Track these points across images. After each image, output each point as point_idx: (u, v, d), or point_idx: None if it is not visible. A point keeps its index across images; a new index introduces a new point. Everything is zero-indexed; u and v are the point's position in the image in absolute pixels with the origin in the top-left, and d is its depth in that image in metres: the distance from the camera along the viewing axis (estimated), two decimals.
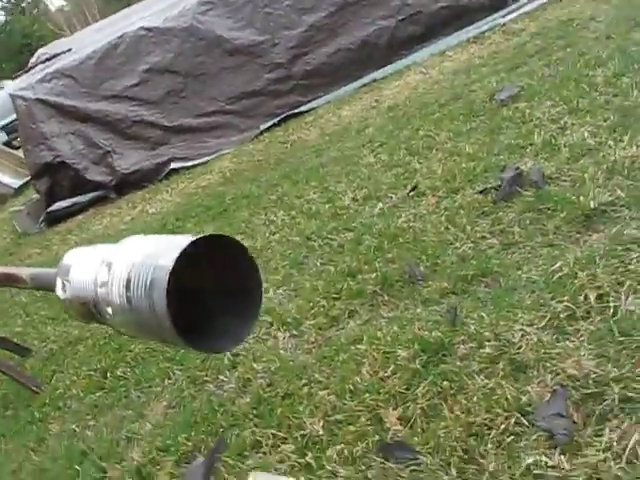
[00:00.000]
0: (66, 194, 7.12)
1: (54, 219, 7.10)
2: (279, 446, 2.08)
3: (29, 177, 7.96)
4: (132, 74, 6.87)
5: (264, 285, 3.31)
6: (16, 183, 10.09)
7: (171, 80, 6.93)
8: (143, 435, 2.57)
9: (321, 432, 2.04)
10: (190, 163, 6.83)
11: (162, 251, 1.09)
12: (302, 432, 2.07)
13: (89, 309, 1.24)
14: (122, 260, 1.15)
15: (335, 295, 2.81)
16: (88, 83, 6.82)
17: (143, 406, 2.79)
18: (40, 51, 8.77)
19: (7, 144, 12.66)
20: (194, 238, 1.08)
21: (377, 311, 2.57)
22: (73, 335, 3.83)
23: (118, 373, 3.13)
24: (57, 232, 6.80)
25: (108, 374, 3.17)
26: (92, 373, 3.26)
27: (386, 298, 2.62)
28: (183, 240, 1.08)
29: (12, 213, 7.83)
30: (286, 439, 2.09)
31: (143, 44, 6.84)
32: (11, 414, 3.36)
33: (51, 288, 1.38)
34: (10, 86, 9.32)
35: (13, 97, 7.05)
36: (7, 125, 13.43)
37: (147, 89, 6.91)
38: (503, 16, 6.62)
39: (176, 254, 1.05)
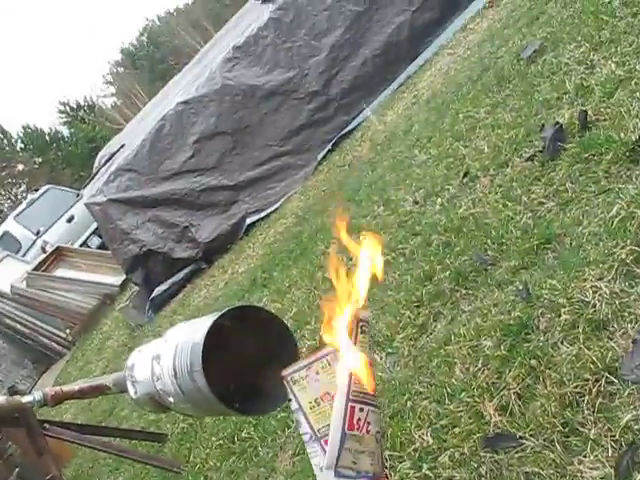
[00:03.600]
0: (161, 278, 7.45)
1: (158, 304, 7.43)
2: (397, 466, 2.12)
3: None
4: (184, 148, 7.14)
5: None
6: (118, 281, 10.57)
7: (221, 142, 7.16)
8: None
9: (430, 441, 2.06)
10: (263, 214, 7.02)
11: (195, 333, 1.18)
12: (414, 446, 2.11)
13: (158, 402, 1.34)
14: (167, 351, 1.25)
15: (417, 303, 2.84)
16: (147, 171, 7.14)
17: (272, 460, 2.89)
18: (100, 154, 9.25)
19: (101, 247, 13.29)
20: (218, 314, 1.16)
21: (458, 307, 2.58)
22: None
23: (244, 435, 3.25)
24: (164, 316, 7.11)
25: (235, 438, 3.30)
26: (222, 442, 3.40)
27: (463, 292, 2.62)
28: (210, 318, 1.17)
29: (121, 310, 8.23)
30: (401, 457, 2.13)
31: (185, 117, 7.10)
32: None
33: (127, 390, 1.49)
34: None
35: (88, 206, 7.48)
36: (97, 229, 14.10)
37: (202, 157, 7.16)
38: None
39: (205, 331, 1.13)
